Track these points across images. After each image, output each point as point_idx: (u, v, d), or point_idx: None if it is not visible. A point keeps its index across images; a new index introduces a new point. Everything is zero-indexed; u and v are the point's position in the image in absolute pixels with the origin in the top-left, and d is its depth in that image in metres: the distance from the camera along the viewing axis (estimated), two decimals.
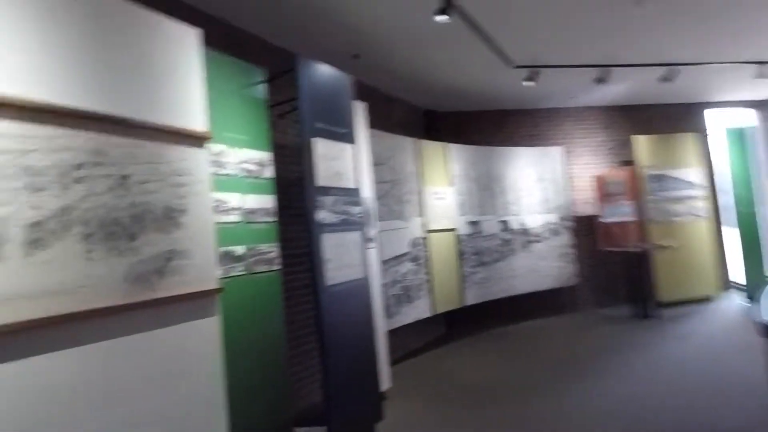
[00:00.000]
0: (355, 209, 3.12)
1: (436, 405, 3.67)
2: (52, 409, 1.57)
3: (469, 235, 5.73)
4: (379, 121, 5.09)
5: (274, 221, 2.88)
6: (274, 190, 2.91)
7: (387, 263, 4.48)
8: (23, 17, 1.64)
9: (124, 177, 1.88)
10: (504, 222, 6.13)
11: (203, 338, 2.13)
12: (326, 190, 2.87)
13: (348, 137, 3.16)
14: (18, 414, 1.48)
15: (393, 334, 4.46)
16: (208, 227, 2.21)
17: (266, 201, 2.84)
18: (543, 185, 6.51)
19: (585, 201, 6.97)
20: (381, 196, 4.53)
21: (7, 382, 1.48)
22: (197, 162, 2.20)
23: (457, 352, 5.23)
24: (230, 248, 2.55)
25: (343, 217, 2.97)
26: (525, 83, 5.17)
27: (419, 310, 4.89)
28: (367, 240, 3.59)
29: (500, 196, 6.15)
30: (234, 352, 2.43)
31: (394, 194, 4.76)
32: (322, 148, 2.88)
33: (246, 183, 2.72)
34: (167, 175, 2.05)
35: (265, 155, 2.88)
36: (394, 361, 4.71)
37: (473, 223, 5.83)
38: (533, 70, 5.04)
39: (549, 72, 5.13)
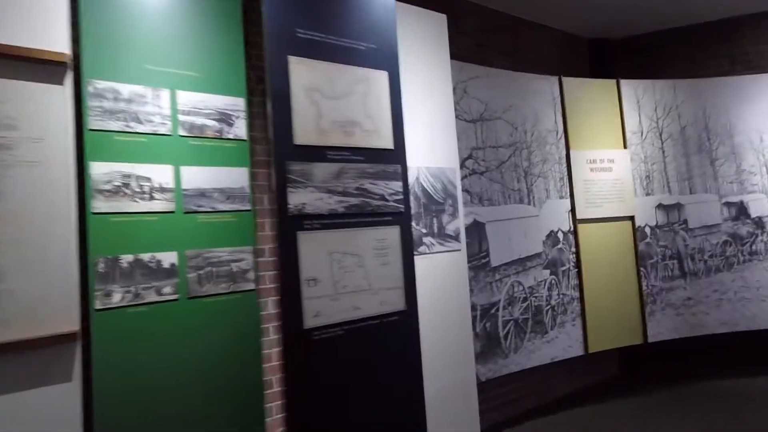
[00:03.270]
0: (390, 187, 1.74)
1: None
2: None
3: (659, 228, 3.51)
4: (504, 57, 3.41)
5: (246, 210, 1.75)
6: (249, 161, 1.77)
7: (498, 272, 2.88)
8: None
9: None
10: (736, 205, 3.60)
11: (44, 419, 1.17)
12: (316, 153, 1.58)
13: (378, 58, 1.78)
14: None
15: (517, 377, 2.90)
16: (58, 223, 1.22)
17: (231, 177, 1.73)
18: None
19: None
20: (488, 168, 2.93)
21: None
22: (38, 108, 1.22)
23: (638, 412, 3.21)
24: (149, 255, 1.54)
25: (357, 201, 1.64)
26: None
27: (561, 345, 3.11)
28: (444, 238, 2.15)
29: (728, 162, 3.63)
30: None
31: (513, 164, 3.07)
32: (311, 76, 1.59)
33: (189, 148, 1.67)
34: None
35: (233, 103, 1.76)
36: (516, 419, 3.11)
37: (669, 208, 3.55)
38: None
39: None
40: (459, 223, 2.31)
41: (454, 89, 2.82)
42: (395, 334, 1.71)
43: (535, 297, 3.05)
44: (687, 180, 3.59)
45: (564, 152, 3.29)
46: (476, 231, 2.83)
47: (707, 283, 3.52)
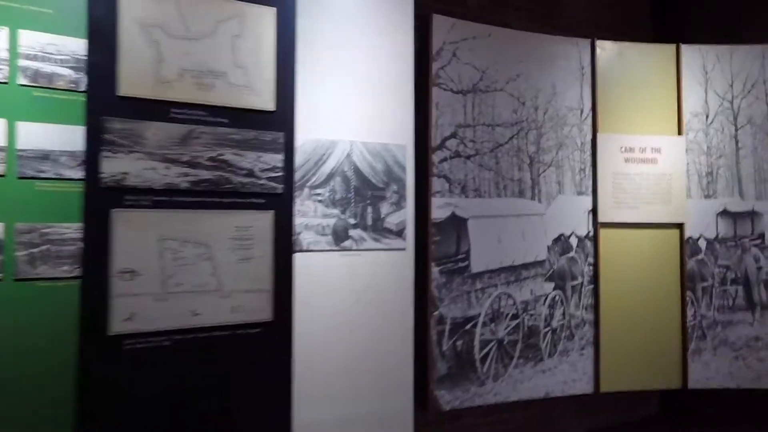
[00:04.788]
0: (264, 161, 1.33)
1: None
2: None
3: (721, 241, 2.68)
4: (526, 17, 2.78)
5: None
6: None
7: (480, 280, 2.34)
8: None
9: None
10: None
11: None
12: (153, 110, 1.22)
13: None
14: None
15: (510, 406, 2.39)
16: None
17: (80, 138, 1.43)
18: None
19: None
20: (478, 151, 2.37)
21: None
22: None
23: None
24: None
25: (210, 175, 1.26)
26: None
27: (561, 378, 2.49)
28: (381, 233, 1.71)
29: None
30: None
31: (515, 148, 2.47)
32: (152, 8, 1.22)
33: (31, 100, 1.40)
34: None
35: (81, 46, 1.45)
36: None
37: (738, 216, 2.70)
38: None
39: None
40: (405, 215, 1.83)
41: (440, 52, 2.30)
42: (255, 351, 1.32)
43: (530, 315, 2.45)
44: None
45: (589, 136, 2.59)
46: (454, 227, 2.31)
47: None
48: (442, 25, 2.30)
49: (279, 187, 1.39)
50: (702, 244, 2.65)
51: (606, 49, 2.63)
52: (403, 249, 1.82)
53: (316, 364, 1.59)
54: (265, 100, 1.37)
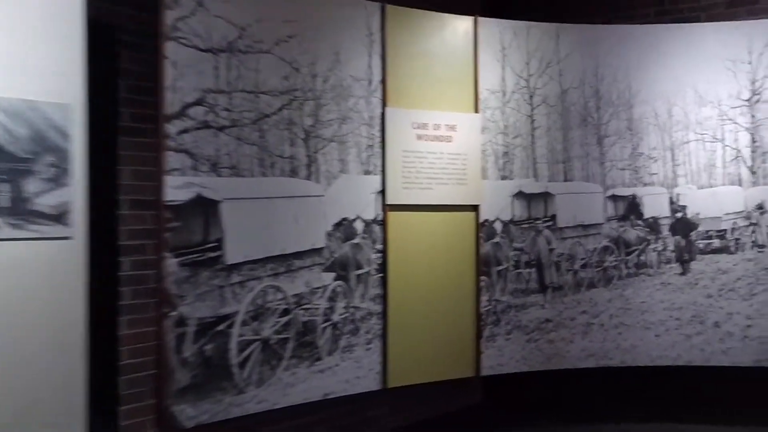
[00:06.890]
0: None
1: None
2: None
3: (516, 224, 2.61)
4: None
5: None
6: None
7: (238, 272, 2.00)
8: None
9: None
10: (626, 201, 2.69)
11: None
12: None
13: None
14: None
15: (311, 407, 2.10)
16: None
17: None
18: (755, 120, 2.67)
19: None
20: (235, 122, 2.01)
21: None
22: None
23: None
24: None
25: None
26: None
27: (343, 377, 2.25)
28: (29, 218, 1.28)
29: (621, 142, 2.71)
30: None
31: (287, 120, 2.14)
32: None
33: None
34: None
35: None
36: None
37: (533, 198, 2.65)
38: None
39: None
40: (71, 196, 1.41)
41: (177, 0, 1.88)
42: None
43: (305, 309, 2.17)
44: (562, 162, 2.67)
45: (378, 110, 2.36)
46: (200, 212, 1.94)
47: (574, 301, 2.63)
48: None
49: None
50: (498, 226, 2.56)
51: (398, 15, 2.40)
52: (68, 238, 1.41)
53: None
54: None
